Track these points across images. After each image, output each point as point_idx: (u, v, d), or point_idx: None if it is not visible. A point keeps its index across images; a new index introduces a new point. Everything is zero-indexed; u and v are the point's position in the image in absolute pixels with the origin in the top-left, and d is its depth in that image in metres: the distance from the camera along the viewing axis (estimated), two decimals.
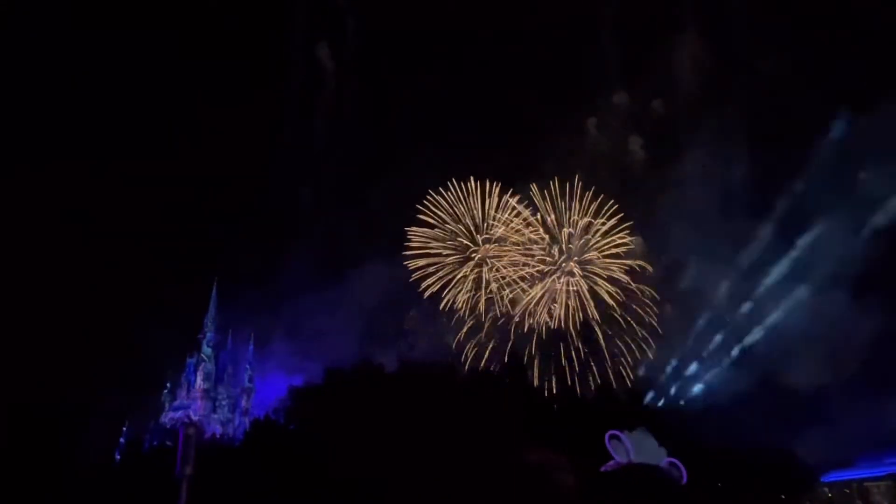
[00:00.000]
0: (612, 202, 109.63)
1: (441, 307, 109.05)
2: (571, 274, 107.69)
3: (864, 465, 76.40)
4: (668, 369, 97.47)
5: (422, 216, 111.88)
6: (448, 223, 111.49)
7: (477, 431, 42.23)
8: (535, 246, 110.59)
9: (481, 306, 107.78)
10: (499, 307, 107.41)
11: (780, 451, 68.88)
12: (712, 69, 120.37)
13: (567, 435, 45.68)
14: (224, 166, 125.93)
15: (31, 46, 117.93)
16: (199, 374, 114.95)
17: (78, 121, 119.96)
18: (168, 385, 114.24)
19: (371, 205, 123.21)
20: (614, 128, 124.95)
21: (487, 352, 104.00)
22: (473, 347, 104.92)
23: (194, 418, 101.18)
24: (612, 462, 43.03)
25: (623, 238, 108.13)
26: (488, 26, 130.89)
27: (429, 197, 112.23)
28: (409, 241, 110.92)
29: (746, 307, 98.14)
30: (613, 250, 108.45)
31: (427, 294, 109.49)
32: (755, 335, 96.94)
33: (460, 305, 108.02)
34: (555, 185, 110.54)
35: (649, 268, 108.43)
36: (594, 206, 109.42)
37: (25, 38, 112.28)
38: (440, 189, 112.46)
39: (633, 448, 43.57)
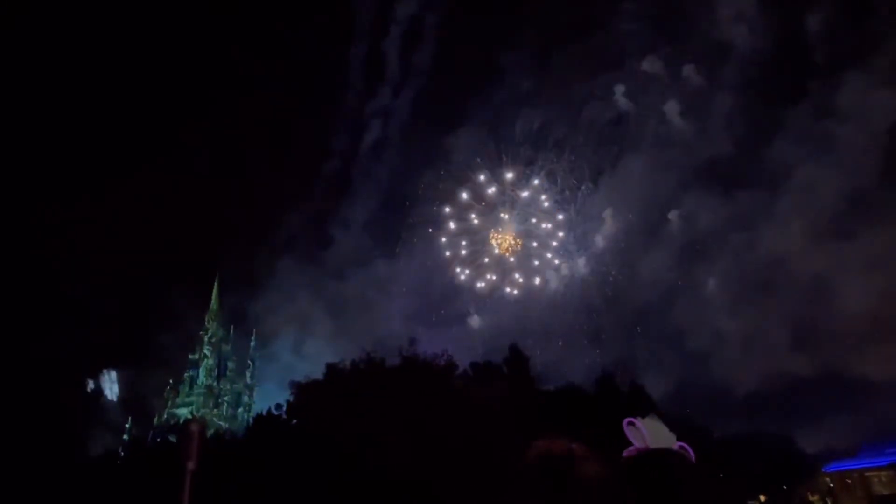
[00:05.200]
0: None
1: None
2: None
3: (867, 456, 76.37)
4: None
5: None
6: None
7: (486, 424, 42.26)
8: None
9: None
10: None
11: (781, 441, 69.06)
12: None
13: (579, 426, 46.08)
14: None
15: (31, 46, 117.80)
16: (201, 369, 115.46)
17: (78, 121, 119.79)
18: (171, 381, 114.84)
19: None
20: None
21: None
22: None
23: (197, 414, 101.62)
24: (632, 448, 43.70)
25: None
26: None
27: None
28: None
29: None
30: None
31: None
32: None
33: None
34: None
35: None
36: None
37: (25, 37, 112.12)
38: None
39: (649, 433, 44.64)
